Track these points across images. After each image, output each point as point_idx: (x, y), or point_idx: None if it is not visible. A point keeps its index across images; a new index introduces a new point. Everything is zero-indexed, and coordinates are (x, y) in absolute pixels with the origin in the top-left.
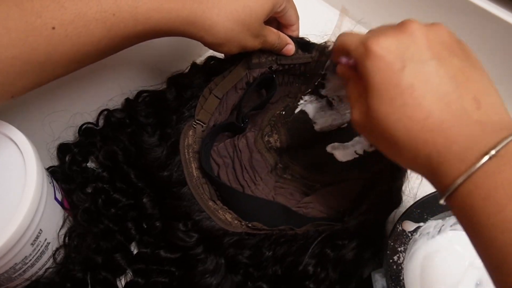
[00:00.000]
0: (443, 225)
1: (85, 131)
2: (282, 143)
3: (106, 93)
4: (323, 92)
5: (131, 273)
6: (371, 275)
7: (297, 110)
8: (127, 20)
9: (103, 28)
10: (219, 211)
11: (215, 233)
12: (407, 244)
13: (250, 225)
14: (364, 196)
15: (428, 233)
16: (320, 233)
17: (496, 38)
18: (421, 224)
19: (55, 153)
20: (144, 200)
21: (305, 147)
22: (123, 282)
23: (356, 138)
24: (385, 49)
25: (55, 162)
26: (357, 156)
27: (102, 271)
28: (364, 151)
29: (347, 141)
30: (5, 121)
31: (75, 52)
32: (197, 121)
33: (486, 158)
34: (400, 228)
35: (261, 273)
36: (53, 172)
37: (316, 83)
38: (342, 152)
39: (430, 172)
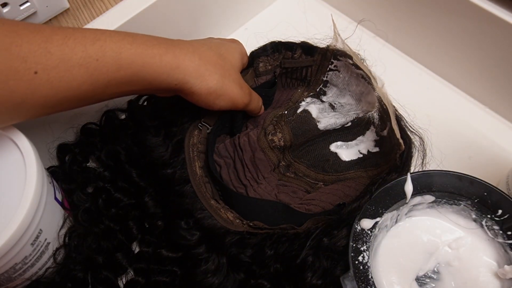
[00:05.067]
0: (398, 215)
1: (86, 131)
2: (286, 141)
3: None
4: (324, 99)
5: (132, 272)
6: (340, 280)
7: (299, 110)
8: (110, 65)
9: (85, 73)
10: (221, 210)
11: (217, 231)
12: (369, 242)
13: (251, 224)
14: (367, 194)
15: (386, 226)
16: (319, 227)
17: (496, 38)
18: (378, 219)
19: (54, 153)
20: (146, 199)
21: (308, 145)
22: (124, 281)
23: (360, 137)
24: None
25: (55, 162)
26: (361, 155)
27: (103, 270)
28: (368, 151)
29: (351, 140)
30: None
31: (52, 96)
32: (203, 123)
33: None
34: (358, 228)
35: (263, 271)
36: (53, 172)
37: (318, 90)
38: (346, 151)
39: None
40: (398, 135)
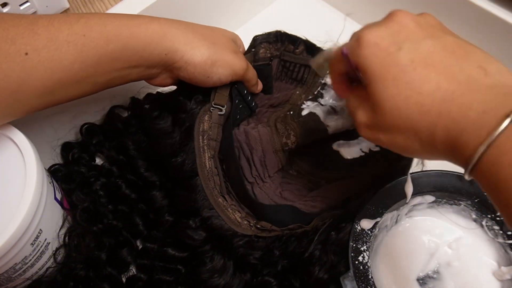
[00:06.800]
0: (398, 215)
1: (87, 130)
2: (298, 144)
3: (111, 92)
4: (323, 102)
5: (135, 269)
6: (340, 280)
7: (304, 112)
8: (98, 39)
9: (75, 50)
10: (229, 209)
11: (224, 233)
12: (369, 242)
13: (259, 226)
14: (372, 190)
15: (386, 226)
16: (326, 222)
17: (496, 38)
18: (378, 219)
19: (58, 150)
20: (154, 192)
21: (311, 143)
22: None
23: (361, 136)
24: (378, 36)
25: (59, 161)
26: (362, 154)
27: (107, 267)
28: (370, 150)
29: (353, 139)
30: None
31: (47, 79)
32: (214, 106)
33: (507, 121)
34: (359, 228)
35: (270, 269)
36: (55, 171)
37: (315, 93)
38: (348, 150)
39: (450, 148)
40: None
